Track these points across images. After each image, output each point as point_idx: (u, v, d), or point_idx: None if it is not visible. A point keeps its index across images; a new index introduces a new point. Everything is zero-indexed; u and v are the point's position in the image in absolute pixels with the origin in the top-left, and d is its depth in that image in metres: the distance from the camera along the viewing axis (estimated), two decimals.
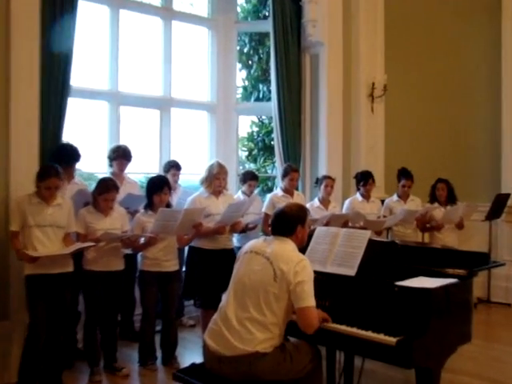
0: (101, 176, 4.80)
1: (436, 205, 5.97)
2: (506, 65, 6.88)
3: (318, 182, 5.80)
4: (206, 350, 3.02)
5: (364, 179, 5.84)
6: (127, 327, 5.18)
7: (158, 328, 4.64)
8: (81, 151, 4.50)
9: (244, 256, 3.13)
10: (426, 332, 2.87)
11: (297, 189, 5.90)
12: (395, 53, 6.96)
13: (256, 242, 3.19)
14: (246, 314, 2.90)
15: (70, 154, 4.45)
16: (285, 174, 5.59)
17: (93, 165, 5.57)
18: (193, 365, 3.23)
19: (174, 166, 5.53)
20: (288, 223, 3.10)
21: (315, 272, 3.40)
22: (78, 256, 4.17)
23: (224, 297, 3.10)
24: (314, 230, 3.71)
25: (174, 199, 5.24)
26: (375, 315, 3.05)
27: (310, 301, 2.87)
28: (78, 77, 5.09)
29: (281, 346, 2.97)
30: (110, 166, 5.02)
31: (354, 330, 2.99)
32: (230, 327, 2.91)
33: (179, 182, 5.69)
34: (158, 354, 4.58)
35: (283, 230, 3.09)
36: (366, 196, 5.88)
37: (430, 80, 7.17)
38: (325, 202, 5.69)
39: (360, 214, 5.45)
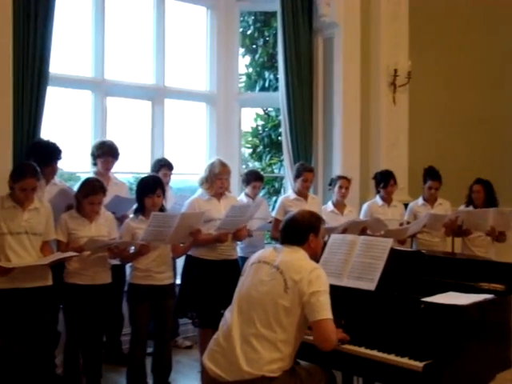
0: (83, 176, 4.79)
1: (471, 208, 5.90)
2: None
3: (331, 183, 5.79)
4: (206, 374, 3.00)
5: (384, 180, 5.81)
6: (114, 349, 5.18)
7: (150, 350, 4.63)
8: (61, 147, 4.49)
9: (251, 267, 3.14)
10: (458, 356, 2.85)
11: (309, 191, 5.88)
12: (421, 36, 6.93)
13: (264, 251, 3.21)
14: (251, 329, 2.90)
15: (49, 152, 4.45)
16: (297, 175, 5.58)
17: (74, 164, 5.57)
18: None
19: (165, 165, 5.50)
20: (299, 231, 3.12)
21: (329, 286, 3.40)
22: (57, 268, 4.15)
23: (227, 313, 3.09)
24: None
25: (164, 203, 5.23)
26: (399, 336, 3.03)
27: (326, 313, 2.87)
28: (57, 63, 5.09)
29: (291, 370, 2.96)
30: (94, 164, 5.02)
31: (375, 353, 2.97)
32: (234, 347, 2.90)
33: (170, 183, 5.65)
34: (149, 379, 4.55)
35: (294, 238, 3.12)
36: (387, 199, 5.86)
37: (461, 67, 7.16)
38: (339, 206, 5.68)
39: (380, 222, 5.41)
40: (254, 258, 3.20)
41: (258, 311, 2.92)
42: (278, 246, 3.19)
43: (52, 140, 4.53)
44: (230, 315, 3.04)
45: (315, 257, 3.19)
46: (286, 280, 2.91)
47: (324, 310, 2.87)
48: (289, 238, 3.14)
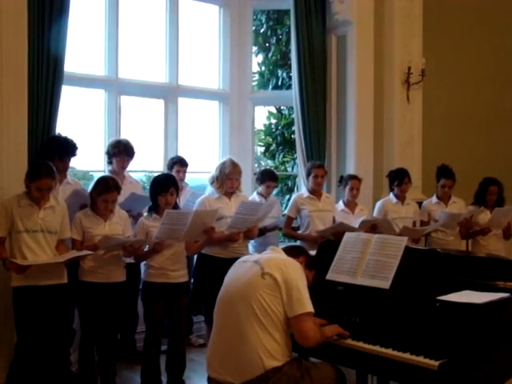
0: (97, 175, 4.82)
1: (482, 208, 5.89)
2: None
3: (341, 181, 5.78)
4: (213, 383, 3.04)
5: (399, 178, 5.79)
6: (128, 347, 5.20)
7: (164, 348, 4.65)
8: (77, 144, 4.53)
9: (230, 271, 3.25)
10: (473, 355, 2.84)
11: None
12: (435, 33, 6.90)
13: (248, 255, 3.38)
14: (240, 319, 2.92)
15: (65, 147, 4.49)
16: (308, 173, 5.60)
17: (88, 162, 5.60)
18: None
19: (177, 162, 5.53)
20: (295, 250, 3.33)
21: (343, 284, 3.41)
22: (73, 266, 4.19)
23: (214, 315, 3.15)
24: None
25: (182, 199, 5.25)
26: (414, 335, 3.02)
27: (308, 306, 2.91)
28: (71, 62, 5.12)
29: (296, 362, 2.98)
30: (109, 163, 5.05)
31: (390, 352, 2.98)
32: (228, 345, 2.94)
33: (186, 180, 5.69)
34: (164, 377, 4.58)
35: (288, 250, 3.25)
36: (401, 197, 5.84)
37: (475, 64, 7.12)
38: (351, 205, 5.68)
39: (390, 225, 5.36)
40: (236, 262, 3.31)
41: (240, 304, 2.95)
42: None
43: (69, 137, 4.56)
44: (217, 318, 3.09)
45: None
46: (262, 268, 2.97)
47: (304, 304, 2.90)
48: (284, 248, 3.27)
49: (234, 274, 3.15)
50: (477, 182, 6.05)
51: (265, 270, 2.96)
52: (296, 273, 2.98)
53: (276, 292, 2.90)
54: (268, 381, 2.82)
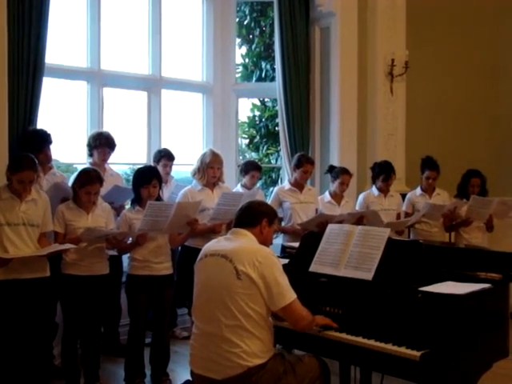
0: (80, 167, 4.79)
1: (465, 201, 5.92)
2: None
3: (331, 171, 5.75)
4: (196, 377, 3.03)
5: (385, 173, 5.75)
6: (112, 340, 5.19)
7: (148, 340, 4.65)
8: (49, 131, 4.52)
9: (197, 265, 3.12)
10: (455, 345, 2.87)
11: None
12: (419, 25, 6.91)
13: (210, 243, 3.18)
14: (220, 326, 2.86)
15: (38, 138, 4.47)
16: (298, 165, 5.56)
17: (71, 155, 5.56)
18: (187, 382, 3.23)
19: (165, 156, 5.53)
20: (253, 213, 3.13)
21: (326, 276, 3.42)
22: (55, 259, 4.16)
23: (193, 318, 3.09)
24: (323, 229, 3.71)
25: (166, 193, 5.25)
26: (396, 326, 3.04)
27: (290, 295, 2.88)
28: (53, 53, 5.08)
29: (279, 356, 2.98)
30: (90, 155, 5.03)
31: (372, 343, 2.99)
32: (212, 350, 2.89)
33: (172, 173, 5.69)
34: (147, 370, 4.58)
35: (247, 219, 3.11)
36: (384, 190, 5.85)
37: (459, 56, 7.15)
38: (337, 197, 5.68)
39: (378, 217, 5.34)
40: (201, 252, 3.15)
41: (218, 307, 2.88)
42: (228, 234, 3.16)
43: (38, 127, 4.55)
44: (196, 320, 3.04)
45: (265, 245, 3.12)
46: (236, 267, 2.87)
47: (287, 294, 2.88)
48: (242, 219, 3.12)
49: (207, 274, 3.01)
50: (460, 174, 6.08)
51: (239, 269, 2.85)
52: (271, 264, 2.89)
53: (254, 290, 2.84)
54: (251, 377, 2.82)
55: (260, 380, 2.83)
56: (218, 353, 2.86)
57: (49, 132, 4.53)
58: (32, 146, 4.37)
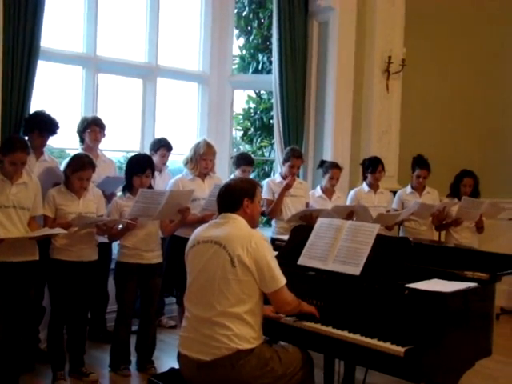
0: (73, 153, 4.78)
1: (456, 200, 5.95)
2: None
3: (322, 165, 5.77)
4: (182, 359, 3.04)
5: (372, 165, 5.81)
6: (98, 326, 5.20)
7: (134, 328, 4.66)
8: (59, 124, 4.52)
9: (190, 251, 3.13)
10: (439, 342, 2.89)
11: (298, 176, 5.89)
12: (417, 23, 6.91)
13: (201, 229, 3.18)
14: (214, 312, 2.90)
15: (48, 123, 4.46)
16: (286, 159, 5.58)
17: (64, 140, 5.54)
18: (171, 370, 3.25)
19: (164, 146, 5.52)
20: (233, 197, 3.11)
21: (315, 270, 3.44)
22: (44, 243, 4.16)
23: (185, 302, 3.11)
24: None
25: (161, 182, 5.25)
26: (382, 321, 3.05)
27: (280, 280, 2.94)
28: (49, 37, 5.05)
29: (267, 344, 3.03)
30: (82, 141, 5.01)
31: (357, 337, 3.00)
32: (204, 332, 2.92)
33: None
34: (133, 357, 4.59)
35: (229, 205, 3.10)
36: (374, 186, 5.87)
37: (456, 56, 7.16)
38: (328, 192, 5.70)
39: (367, 212, 5.36)
40: (190, 240, 3.16)
41: (213, 294, 2.91)
42: (215, 219, 3.19)
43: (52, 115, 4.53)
44: (189, 306, 3.05)
45: (253, 222, 3.15)
46: (230, 254, 2.90)
47: (278, 279, 2.92)
48: (224, 205, 3.12)
49: (201, 261, 3.02)
50: (453, 173, 6.10)
51: (233, 255, 2.88)
52: (263, 249, 2.92)
53: (249, 276, 2.89)
54: (239, 360, 2.84)
55: (247, 363, 2.86)
56: (208, 335, 2.89)
57: (59, 125, 4.52)
58: (36, 126, 4.40)
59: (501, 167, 7.09)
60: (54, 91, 5.59)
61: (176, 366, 3.24)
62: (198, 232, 3.17)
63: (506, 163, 7.13)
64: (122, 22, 6.13)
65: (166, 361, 4.65)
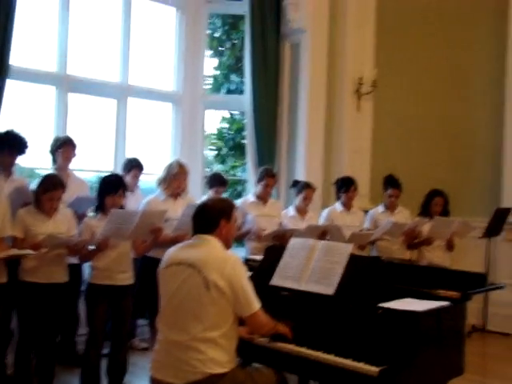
0: (43, 173, 4.72)
1: (427, 219, 6.00)
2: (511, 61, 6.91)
3: (295, 185, 5.79)
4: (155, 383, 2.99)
5: (345, 185, 5.84)
6: (68, 350, 5.10)
7: (105, 351, 4.57)
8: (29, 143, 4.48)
9: (163, 272, 3.08)
10: (412, 362, 2.88)
11: (271, 195, 5.88)
12: (387, 45, 7.03)
13: (174, 250, 3.12)
14: (188, 336, 2.86)
15: (16, 142, 4.41)
16: (260, 178, 5.60)
17: (35, 160, 5.47)
18: None
19: (136, 166, 5.49)
20: (210, 217, 3.06)
21: (288, 290, 3.42)
22: (13, 264, 4.07)
23: (159, 325, 3.06)
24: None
25: (133, 202, 5.20)
26: (356, 341, 3.04)
27: (255, 304, 2.91)
28: (20, 56, 5.01)
29: (240, 366, 3.00)
30: (54, 161, 4.96)
31: (331, 358, 2.98)
32: (178, 356, 2.88)
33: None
34: (104, 381, 4.50)
35: (205, 225, 3.05)
36: (347, 205, 5.90)
37: (425, 77, 7.25)
38: (301, 212, 5.71)
39: (340, 231, 5.35)
40: (165, 259, 3.10)
41: (187, 318, 2.88)
42: (189, 240, 3.13)
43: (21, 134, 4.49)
44: (163, 328, 3.01)
45: (227, 244, 3.11)
46: (205, 278, 2.85)
47: (253, 303, 2.90)
48: (200, 225, 3.07)
49: (174, 284, 2.97)
50: (423, 192, 6.16)
51: (207, 279, 2.83)
52: (238, 273, 2.90)
53: (223, 299, 2.85)
54: None
55: None
56: (182, 359, 2.85)
57: (27, 142, 4.47)
58: (4, 146, 4.35)
59: (471, 186, 7.16)
60: (25, 110, 5.53)
61: None
62: (171, 252, 3.11)
63: (476, 182, 7.21)
64: (95, 42, 6.10)
65: None
